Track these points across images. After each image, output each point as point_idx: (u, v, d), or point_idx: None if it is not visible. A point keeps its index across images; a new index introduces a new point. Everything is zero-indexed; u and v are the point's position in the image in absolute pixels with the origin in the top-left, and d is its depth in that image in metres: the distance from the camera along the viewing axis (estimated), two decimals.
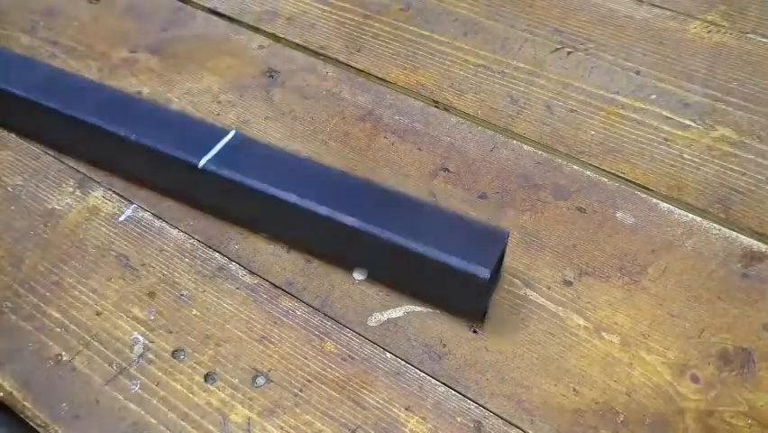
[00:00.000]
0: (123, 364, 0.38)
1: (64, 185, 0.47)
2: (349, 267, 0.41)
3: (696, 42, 0.54)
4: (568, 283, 0.41)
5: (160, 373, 0.37)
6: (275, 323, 0.39)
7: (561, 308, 0.40)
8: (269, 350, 0.38)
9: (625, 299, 0.40)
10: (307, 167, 0.42)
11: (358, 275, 0.41)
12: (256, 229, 0.43)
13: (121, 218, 0.45)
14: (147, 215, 0.45)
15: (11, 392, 0.37)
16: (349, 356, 0.38)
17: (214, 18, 0.59)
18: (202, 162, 0.41)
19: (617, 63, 0.53)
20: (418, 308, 0.40)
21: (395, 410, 0.36)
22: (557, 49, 0.54)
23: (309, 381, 0.37)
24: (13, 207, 0.45)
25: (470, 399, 0.36)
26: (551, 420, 0.36)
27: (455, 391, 0.37)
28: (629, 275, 0.41)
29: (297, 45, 0.56)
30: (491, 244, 0.37)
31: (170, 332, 0.39)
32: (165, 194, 0.45)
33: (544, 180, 0.46)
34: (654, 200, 0.45)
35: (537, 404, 0.36)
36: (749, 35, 0.55)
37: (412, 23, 0.57)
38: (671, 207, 0.44)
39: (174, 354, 0.38)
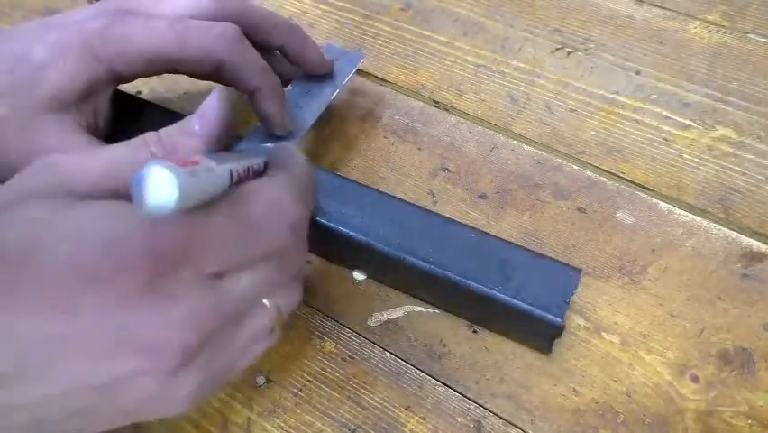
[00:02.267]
0: None
1: None
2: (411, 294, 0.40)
3: (696, 42, 0.54)
4: None
5: None
6: None
7: None
8: (269, 350, 0.38)
9: (625, 299, 0.40)
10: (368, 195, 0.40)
11: (358, 275, 0.41)
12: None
13: None
14: None
15: None
16: (349, 356, 0.38)
17: None
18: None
19: (617, 63, 0.53)
20: (418, 308, 0.40)
21: (395, 410, 0.36)
22: (557, 49, 0.54)
23: (309, 381, 0.37)
24: None
25: (470, 399, 0.36)
26: (551, 420, 0.36)
27: (455, 391, 0.37)
28: (629, 275, 0.41)
29: None
30: (563, 285, 0.36)
31: None
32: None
33: (544, 180, 0.46)
34: (654, 200, 0.45)
35: (537, 404, 0.36)
36: (749, 35, 0.55)
37: (412, 22, 0.57)
38: (671, 207, 0.44)
39: None
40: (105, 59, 0.36)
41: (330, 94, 0.44)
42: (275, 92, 0.38)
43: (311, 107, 0.43)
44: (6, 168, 0.35)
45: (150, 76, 0.38)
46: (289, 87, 0.45)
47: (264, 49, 0.40)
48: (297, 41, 0.42)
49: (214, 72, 0.37)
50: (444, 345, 0.38)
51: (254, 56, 0.38)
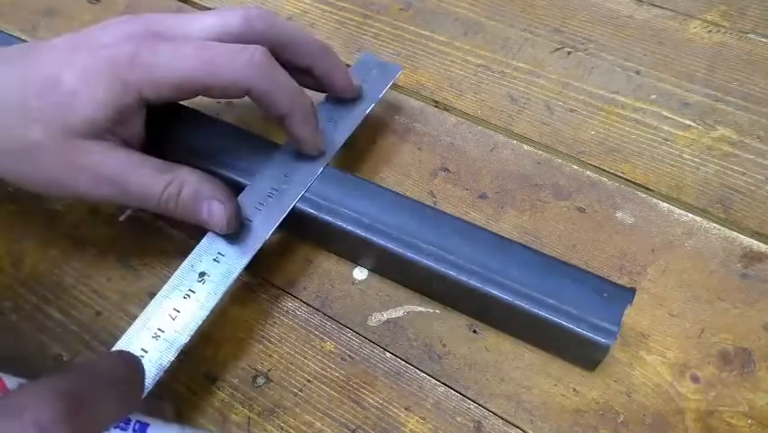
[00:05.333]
0: None
1: None
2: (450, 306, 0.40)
3: (696, 42, 0.54)
4: None
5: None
6: (275, 323, 0.39)
7: None
8: (269, 350, 0.38)
9: None
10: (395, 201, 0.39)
11: (358, 275, 0.41)
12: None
13: (121, 218, 0.45)
14: (147, 215, 0.45)
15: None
16: (349, 356, 0.38)
17: None
18: None
19: (617, 63, 0.53)
20: (418, 308, 0.40)
21: (395, 410, 0.36)
22: (557, 49, 0.54)
23: (309, 381, 0.37)
24: (13, 207, 0.45)
25: (470, 399, 0.36)
26: (551, 420, 0.36)
27: (455, 391, 0.37)
28: (629, 275, 0.41)
29: None
30: (613, 304, 0.35)
31: None
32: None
33: (543, 180, 0.46)
34: (654, 200, 0.45)
35: (537, 404, 0.36)
36: (749, 35, 0.55)
37: (412, 22, 0.57)
38: (671, 206, 0.44)
39: None
40: (133, 87, 0.35)
41: (364, 109, 0.43)
42: (306, 115, 0.38)
43: (344, 124, 0.42)
44: (50, 188, 0.36)
45: (181, 100, 0.38)
46: (321, 100, 0.43)
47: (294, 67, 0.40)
48: (327, 64, 0.41)
49: (245, 95, 0.37)
50: (444, 345, 0.38)
51: (284, 80, 0.37)
